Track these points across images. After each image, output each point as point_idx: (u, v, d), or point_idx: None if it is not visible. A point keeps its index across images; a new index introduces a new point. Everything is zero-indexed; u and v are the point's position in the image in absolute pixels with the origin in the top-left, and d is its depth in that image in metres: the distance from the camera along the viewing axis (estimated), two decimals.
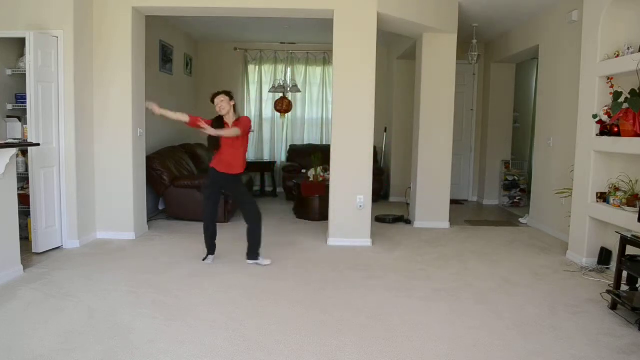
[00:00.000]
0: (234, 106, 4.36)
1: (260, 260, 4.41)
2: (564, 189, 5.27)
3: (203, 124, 4.15)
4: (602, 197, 4.34)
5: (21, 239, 4.04)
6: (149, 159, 5.85)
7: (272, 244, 5.11)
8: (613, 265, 4.22)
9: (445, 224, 6.15)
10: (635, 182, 4.07)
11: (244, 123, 4.25)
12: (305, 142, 8.85)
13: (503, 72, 7.85)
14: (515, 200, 7.83)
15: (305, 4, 5.01)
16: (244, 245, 5.04)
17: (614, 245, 4.06)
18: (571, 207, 4.81)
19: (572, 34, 5.30)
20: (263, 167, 8.57)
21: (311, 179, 6.71)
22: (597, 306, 3.50)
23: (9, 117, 4.80)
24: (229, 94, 4.31)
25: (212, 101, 4.33)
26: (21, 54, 4.79)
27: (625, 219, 3.90)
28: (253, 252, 4.43)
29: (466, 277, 4.16)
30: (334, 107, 5.16)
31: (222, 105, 4.25)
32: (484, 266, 4.49)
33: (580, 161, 4.62)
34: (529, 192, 6.93)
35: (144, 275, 4.01)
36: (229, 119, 4.30)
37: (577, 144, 4.69)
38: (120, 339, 2.83)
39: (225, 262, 4.45)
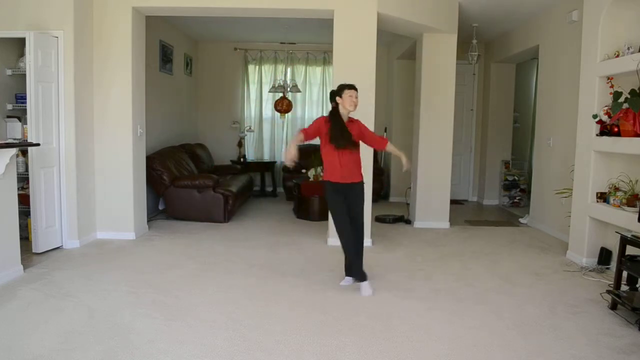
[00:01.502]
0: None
1: (363, 286, 3.70)
2: (564, 189, 5.27)
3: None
4: (602, 197, 4.34)
5: (21, 239, 4.04)
6: (149, 159, 5.85)
7: (272, 244, 5.11)
8: (613, 265, 4.22)
9: (445, 224, 6.15)
10: (635, 182, 4.07)
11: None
12: (305, 142, 8.83)
13: (503, 72, 7.85)
14: (515, 200, 7.83)
15: (305, 4, 5.01)
16: (243, 246, 5.05)
17: (614, 245, 4.06)
18: (571, 207, 4.81)
19: (572, 34, 5.29)
20: (263, 167, 8.57)
21: (311, 179, 6.72)
22: (597, 306, 3.49)
23: (9, 117, 4.80)
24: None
25: (338, 94, 3.77)
26: (21, 54, 4.79)
27: (625, 219, 3.90)
28: (348, 269, 3.89)
29: (466, 277, 4.16)
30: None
31: (357, 101, 3.76)
32: (484, 266, 4.49)
33: (580, 161, 4.62)
34: (529, 192, 6.93)
35: (144, 275, 4.01)
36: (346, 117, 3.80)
37: (577, 144, 4.69)
38: (120, 339, 2.83)
39: (225, 263, 4.45)
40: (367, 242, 5.16)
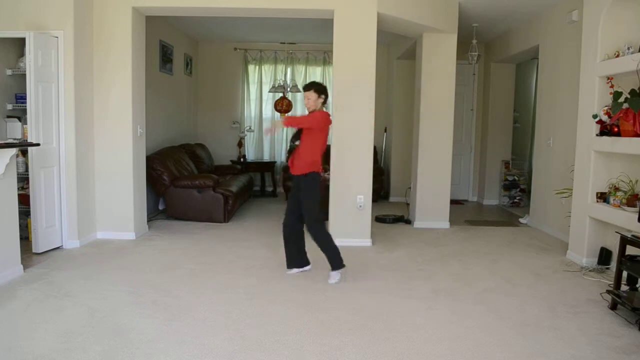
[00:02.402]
0: (324, 102, 4.02)
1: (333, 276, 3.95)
2: (564, 189, 5.27)
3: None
4: (602, 197, 4.34)
5: (21, 239, 4.04)
6: (149, 159, 5.85)
7: (272, 244, 5.10)
8: (613, 265, 4.22)
9: (445, 224, 6.15)
10: (635, 182, 4.07)
11: (310, 117, 3.98)
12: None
13: (503, 72, 7.85)
14: (515, 200, 7.83)
15: (305, 4, 5.01)
16: (243, 246, 5.05)
17: (614, 245, 4.06)
18: (571, 207, 4.81)
19: (572, 34, 5.30)
20: (263, 167, 8.57)
21: None
22: (597, 306, 3.50)
23: (9, 117, 4.80)
24: (318, 88, 3.96)
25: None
26: (21, 54, 4.79)
27: (625, 219, 3.90)
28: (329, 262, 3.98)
29: (466, 277, 4.16)
30: (334, 107, 5.16)
31: (306, 102, 3.99)
32: (484, 266, 4.49)
33: (580, 161, 4.62)
34: (529, 192, 6.93)
35: (144, 275, 4.01)
36: None
37: (577, 144, 4.69)
38: (120, 339, 2.83)
39: (225, 263, 4.45)
40: (367, 242, 5.17)
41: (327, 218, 4.94)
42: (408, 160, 7.12)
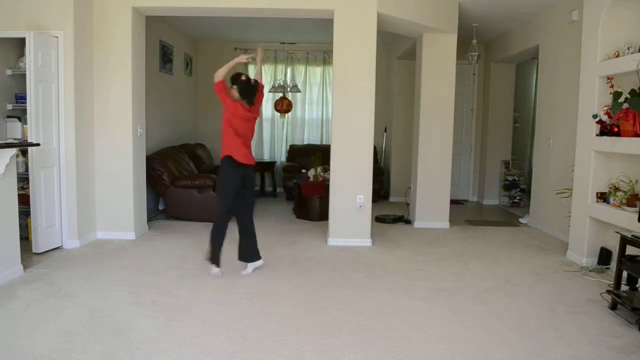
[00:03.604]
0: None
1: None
2: (564, 189, 5.27)
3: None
4: (602, 197, 4.34)
5: (21, 239, 4.04)
6: (149, 159, 5.85)
7: (272, 244, 5.10)
8: (613, 265, 4.22)
9: (445, 224, 6.15)
10: (635, 182, 4.07)
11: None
12: (305, 142, 8.86)
13: (503, 72, 7.85)
14: (515, 200, 7.83)
15: (305, 4, 5.01)
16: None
17: (614, 245, 4.06)
18: (571, 207, 4.81)
19: (572, 34, 5.30)
20: (263, 167, 8.56)
21: (311, 179, 6.72)
22: (597, 306, 3.50)
23: (9, 117, 4.80)
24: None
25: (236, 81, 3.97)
26: (21, 54, 4.79)
27: (625, 219, 3.90)
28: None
29: (466, 277, 4.16)
30: (334, 107, 5.16)
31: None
32: (484, 266, 4.49)
33: (580, 161, 4.62)
34: (529, 192, 6.93)
35: (144, 275, 4.01)
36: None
37: (577, 144, 4.69)
38: (120, 339, 2.83)
39: (225, 263, 4.45)
40: (367, 242, 5.17)
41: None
42: (408, 160, 7.12)
